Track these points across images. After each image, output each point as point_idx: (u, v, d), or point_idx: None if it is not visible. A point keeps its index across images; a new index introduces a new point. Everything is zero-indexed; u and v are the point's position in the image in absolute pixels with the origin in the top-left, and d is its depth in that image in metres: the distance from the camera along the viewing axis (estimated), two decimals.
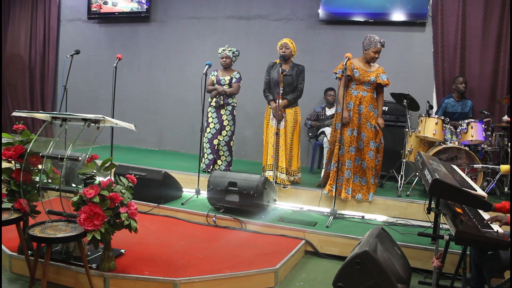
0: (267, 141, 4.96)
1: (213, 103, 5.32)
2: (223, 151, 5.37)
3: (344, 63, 4.26)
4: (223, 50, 5.33)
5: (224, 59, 5.32)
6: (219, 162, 5.38)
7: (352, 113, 4.49)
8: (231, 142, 5.41)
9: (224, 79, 5.31)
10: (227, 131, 5.34)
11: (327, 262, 3.75)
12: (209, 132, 5.34)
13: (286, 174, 4.85)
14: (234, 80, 5.32)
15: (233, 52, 5.36)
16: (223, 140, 5.34)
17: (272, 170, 4.83)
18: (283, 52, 4.77)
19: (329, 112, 5.84)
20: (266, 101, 5.00)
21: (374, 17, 5.92)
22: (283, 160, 4.82)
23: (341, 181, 4.55)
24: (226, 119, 5.33)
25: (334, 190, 4.42)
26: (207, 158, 5.37)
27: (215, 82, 5.33)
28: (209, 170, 5.28)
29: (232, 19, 6.79)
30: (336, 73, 4.56)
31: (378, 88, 4.61)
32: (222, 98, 5.28)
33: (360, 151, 4.52)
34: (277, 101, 4.72)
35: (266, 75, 4.97)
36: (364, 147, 4.51)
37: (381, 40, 4.43)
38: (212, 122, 5.33)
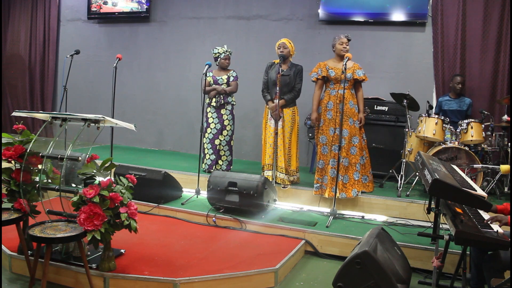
0: (265, 141, 4.96)
1: (213, 103, 5.30)
2: (224, 151, 5.37)
3: (344, 63, 4.27)
4: (226, 51, 5.31)
5: (228, 61, 5.32)
6: (220, 162, 5.37)
7: (333, 113, 4.55)
8: (232, 142, 5.42)
9: (221, 78, 5.31)
10: (228, 130, 5.34)
11: (327, 262, 3.75)
12: (210, 132, 5.33)
13: (285, 174, 4.85)
14: (231, 78, 5.32)
15: (231, 53, 5.37)
16: (224, 140, 5.33)
17: (270, 170, 4.84)
18: (281, 52, 4.79)
19: None
20: (264, 101, 5.01)
21: (374, 17, 5.92)
22: (282, 160, 4.83)
23: (325, 180, 4.57)
24: (227, 118, 5.32)
25: (317, 190, 4.63)
26: (209, 158, 5.36)
27: (212, 82, 5.32)
28: (212, 170, 5.27)
29: (232, 19, 6.79)
30: (312, 77, 4.68)
31: (356, 84, 4.66)
32: (222, 98, 5.27)
33: (342, 148, 4.54)
34: (275, 101, 4.72)
35: (264, 75, 4.98)
36: (346, 144, 4.53)
37: (346, 35, 4.60)
38: (212, 122, 5.33)
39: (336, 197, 4.48)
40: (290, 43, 4.84)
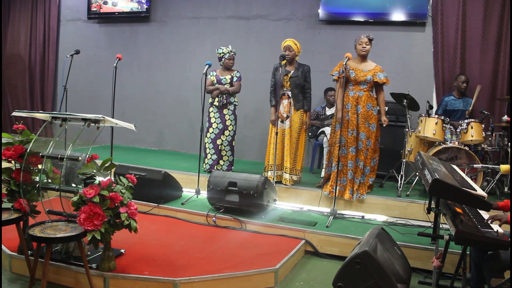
0: (270, 142, 4.96)
1: (215, 103, 5.29)
2: (226, 151, 5.36)
3: (344, 63, 4.27)
4: (230, 51, 5.28)
5: (232, 61, 5.31)
6: (221, 162, 5.36)
7: (350, 114, 4.51)
8: (233, 142, 5.41)
9: (225, 78, 5.30)
10: (230, 131, 5.33)
11: (327, 262, 3.75)
12: (212, 132, 5.32)
13: (289, 174, 4.85)
14: (235, 79, 5.32)
15: (235, 53, 5.36)
16: (225, 140, 5.33)
17: (270, 171, 4.85)
18: (286, 55, 4.77)
19: (329, 112, 5.84)
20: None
21: (374, 17, 5.92)
22: (287, 160, 4.82)
23: (343, 182, 4.56)
24: (229, 118, 5.32)
25: (334, 192, 4.42)
26: (210, 158, 5.35)
27: (215, 82, 5.31)
28: (213, 170, 5.26)
29: (232, 19, 6.79)
30: (333, 75, 4.62)
31: (377, 87, 4.62)
32: (224, 98, 5.27)
33: (359, 151, 4.53)
34: (284, 101, 4.75)
35: (272, 77, 4.96)
36: (362, 147, 4.53)
37: (368, 35, 4.53)
38: (214, 122, 5.31)
39: (352, 199, 4.52)
40: (295, 44, 4.80)
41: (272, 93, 4.96)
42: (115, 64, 4.92)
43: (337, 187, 4.54)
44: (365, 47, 4.50)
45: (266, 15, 6.58)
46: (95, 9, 7.53)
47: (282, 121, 4.85)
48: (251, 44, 6.63)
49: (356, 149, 4.53)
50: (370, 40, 4.53)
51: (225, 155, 5.37)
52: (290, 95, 4.82)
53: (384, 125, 4.63)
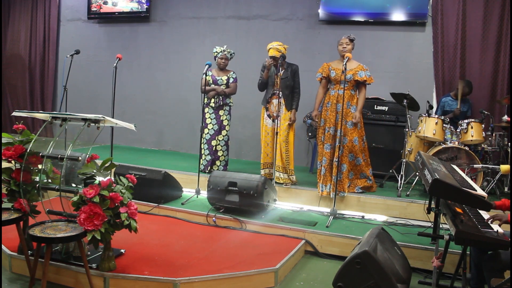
0: (263, 140, 5.00)
1: (212, 104, 5.30)
2: (222, 151, 5.37)
3: (344, 63, 4.28)
4: (223, 51, 5.30)
5: (224, 60, 5.31)
6: (217, 162, 5.36)
7: (329, 112, 4.61)
8: (229, 142, 5.42)
9: (221, 79, 5.30)
10: (226, 131, 5.34)
11: (327, 262, 3.75)
12: (207, 133, 5.32)
13: (284, 173, 4.86)
14: (231, 80, 5.32)
15: (231, 54, 5.36)
16: (222, 140, 5.33)
17: (266, 168, 4.96)
18: (274, 65, 4.81)
19: None
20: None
21: (374, 17, 5.92)
22: (278, 159, 4.84)
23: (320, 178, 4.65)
24: (226, 119, 5.32)
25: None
26: (205, 159, 5.36)
27: (211, 82, 5.30)
28: (207, 171, 5.28)
29: (232, 19, 6.79)
30: (317, 76, 4.76)
31: (359, 85, 4.66)
32: (221, 99, 5.27)
33: (334, 148, 4.55)
34: (273, 101, 4.83)
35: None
36: (337, 144, 4.54)
37: (349, 35, 4.61)
38: (210, 123, 5.32)
39: (325, 195, 4.57)
40: (278, 51, 4.75)
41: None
42: (115, 64, 4.92)
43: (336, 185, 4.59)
44: (345, 47, 4.56)
45: (266, 15, 6.59)
46: (95, 9, 7.53)
47: (273, 120, 4.87)
48: (251, 44, 6.63)
49: (331, 146, 4.56)
50: (351, 40, 4.59)
51: (222, 155, 5.37)
52: (281, 95, 4.84)
53: (353, 121, 4.54)
